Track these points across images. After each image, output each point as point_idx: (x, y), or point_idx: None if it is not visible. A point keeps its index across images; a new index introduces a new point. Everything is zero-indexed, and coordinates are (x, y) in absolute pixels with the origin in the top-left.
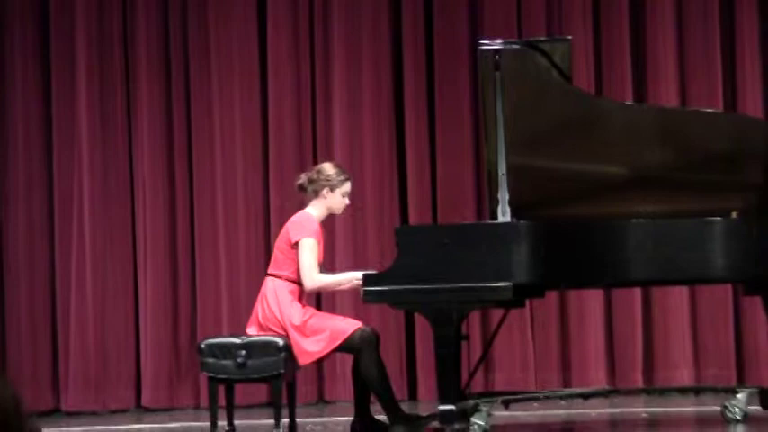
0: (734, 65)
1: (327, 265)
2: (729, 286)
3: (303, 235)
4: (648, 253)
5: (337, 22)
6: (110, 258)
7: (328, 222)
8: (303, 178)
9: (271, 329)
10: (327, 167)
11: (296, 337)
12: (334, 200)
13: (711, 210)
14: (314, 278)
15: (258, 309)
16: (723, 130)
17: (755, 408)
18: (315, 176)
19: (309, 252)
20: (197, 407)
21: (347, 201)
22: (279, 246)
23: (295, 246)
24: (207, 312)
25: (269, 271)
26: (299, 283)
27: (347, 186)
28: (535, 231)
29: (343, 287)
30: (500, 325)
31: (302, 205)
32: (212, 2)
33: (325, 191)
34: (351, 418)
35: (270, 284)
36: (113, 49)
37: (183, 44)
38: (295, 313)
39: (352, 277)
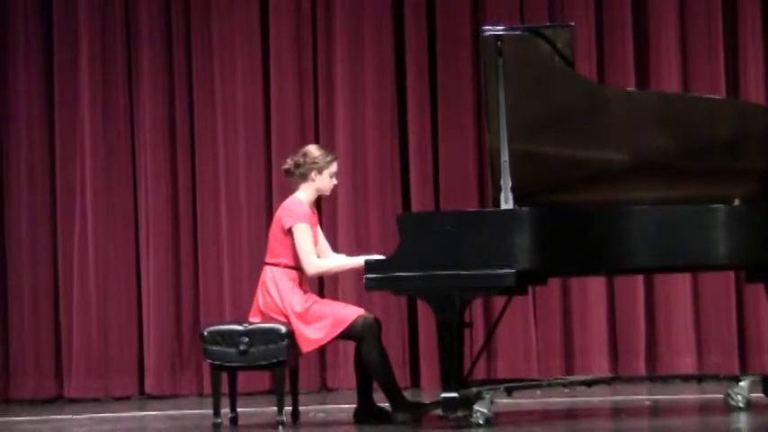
0: (736, 51)
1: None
2: (732, 273)
3: (295, 221)
4: (651, 239)
5: (339, 9)
6: (112, 246)
7: (330, 209)
8: (289, 163)
9: (273, 318)
10: (313, 150)
11: (298, 325)
12: (323, 181)
13: (714, 196)
14: (314, 263)
15: (259, 298)
16: (725, 116)
17: (758, 395)
18: (301, 160)
19: (304, 237)
20: (200, 394)
21: (335, 181)
22: (273, 234)
23: (288, 232)
24: (209, 300)
25: (267, 260)
26: (297, 269)
27: (334, 167)
28: (538, 218)
29: (345, 270)
30: (503, 312)
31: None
32: None
33: (313, 173)
34: (353, 406)
35: (269, 273)
36: (116, 36)
37: (186, 32)
38: (296, 301)
39: (355, 263)
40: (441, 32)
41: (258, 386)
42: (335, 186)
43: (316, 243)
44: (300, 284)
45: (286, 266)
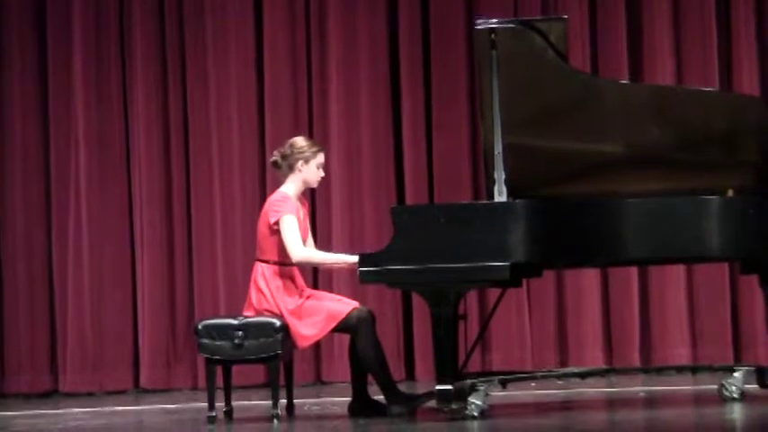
0: (729, 43)
1: (324, 245)
2: (726, 265)
3: (281, 214)
4: (645, 231)
5: (333, 4)
6: (107, 240)
7: (324, 202)
8: (276, 155)
9: (266, 315)
10: (299, 140)
11: (292, 322)
12: (310, 172)
13: (707, 188)
14: (299, 252)
15: (252, 294)
16: (719, 108)
17: (752, 386)
18: (288, 151)
19: (291, 228)
20: (194, 388)
21: (322, 173)
22: (260, 230)
23: (274, 227)
24: (204, 293)
25: (257, 256)
26: (287, 264)
27: (321, 158)
28: (532, 210)
29: (332, 266)
30: (497, 304)
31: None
32: None
33: (299, 164)
34: (348, 399)
35: (259, 269)
36: (109, 28)
37: (179, 20)
38: (288, 299)
39: (343, 260)
40: (435, 26)
41: (253, 380)
42: (328, 180)
43: (305, 237)
44: (294, 280)
45: (275, 263)
